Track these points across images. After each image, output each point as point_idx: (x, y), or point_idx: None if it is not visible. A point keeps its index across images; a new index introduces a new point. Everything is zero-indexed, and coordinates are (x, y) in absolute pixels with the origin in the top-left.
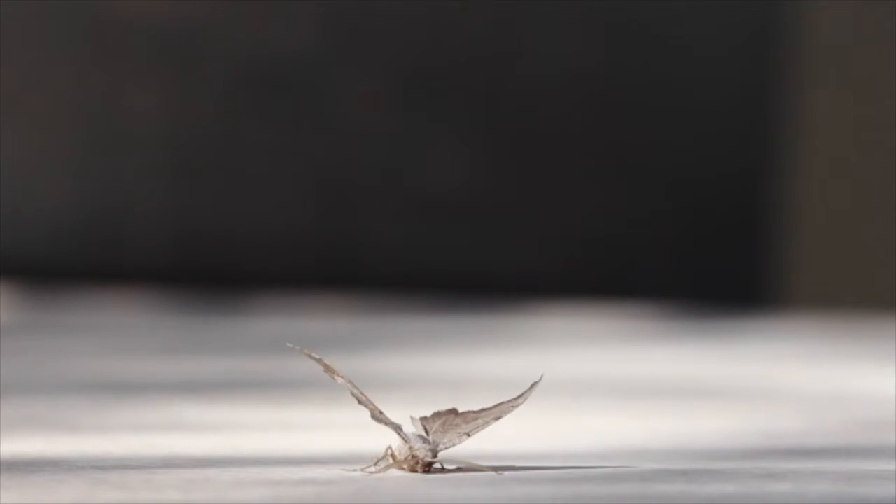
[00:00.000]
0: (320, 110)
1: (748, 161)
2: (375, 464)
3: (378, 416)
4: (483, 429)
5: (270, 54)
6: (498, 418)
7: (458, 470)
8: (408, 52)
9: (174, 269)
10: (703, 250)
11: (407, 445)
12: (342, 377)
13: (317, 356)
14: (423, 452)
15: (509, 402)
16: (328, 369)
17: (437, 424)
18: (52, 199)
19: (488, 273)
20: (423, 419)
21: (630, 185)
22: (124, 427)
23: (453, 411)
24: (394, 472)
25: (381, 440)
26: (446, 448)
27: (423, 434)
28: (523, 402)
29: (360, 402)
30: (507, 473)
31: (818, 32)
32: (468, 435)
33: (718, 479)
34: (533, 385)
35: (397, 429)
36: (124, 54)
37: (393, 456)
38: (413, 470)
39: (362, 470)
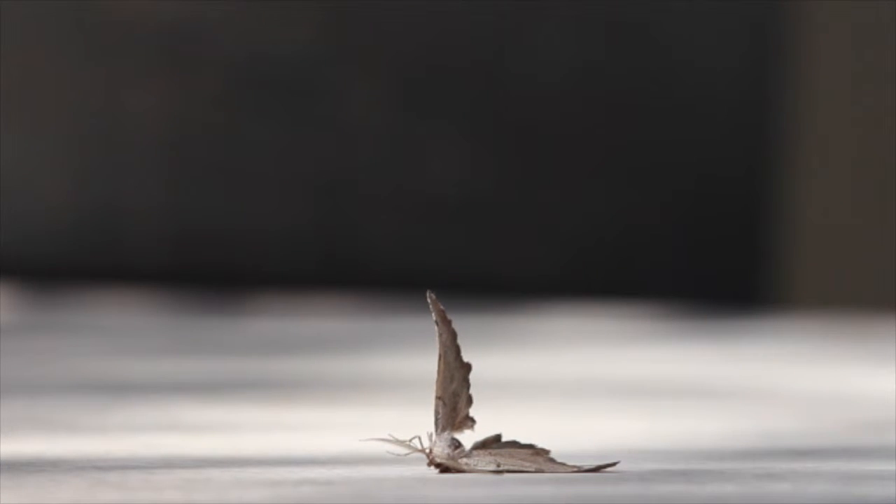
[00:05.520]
0: (320, 110)
1: (748, 161)
2: (401, 440)
3: (439, 400)
4: (515, 469)
5: (270, 54)
6: (539, 470)
7: (461, 471)
8: (408, 52)
9: (174, 268)
10: (704, 250)
11: (433, 440)
12: (448, 334)
13: (441, 311)
14: (439, 450)
15: (563, 464)
16: (442, 322)
17: (496, 447)
18: (52, 199)
19: (488, 273)
20: (496, 442)
21: (630, 186)
22: (124, 427)
23: (530, 447)
24: (397, 472)
25: (379, 441)
26: (469, 465)
27: (457, 441)
28: (575, 471)
29: (451, 374)
30: (507, 474)
31: (818, 33)
32: (498, 465)
33: (718, 479)
34: (599, 467)
35: (440, 424)
36: (124, 54)
37: (418, 440)
38: (429, 463)
39: (389, 434)
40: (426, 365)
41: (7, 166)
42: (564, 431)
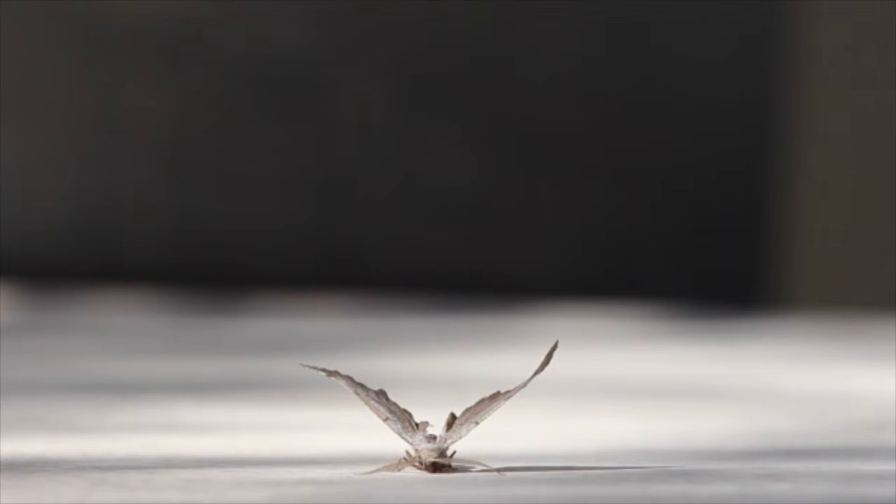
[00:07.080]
0: (321, 110)
1: (748, 161)
2: (398, 465)
3: (388, 421)
4: (491, 414)
5: (270, 54)
6: (508, 398)
7: (464, 470)
8: (409, 52)
9: (173, 269)
10: (703, 250)
11: (412, 447)
12: (345, 381)
13: (321, 368)
14: (426, 454)
15: (519, 385)
16: (331, 374)
17: (462, 418)
18: (52, 199)
19: (488, 273)
20: (455, 419)
21: (630, 186)
22: (124, 427)
23: (483, 399)
24: (397, 472)
25: (380, 441)
26: (455, 442)
27: (432, 436)
28: (541, 371)
29: (383, 411)
30: (507, 473)
31: (818, 32)
32: (476, 423)
33: (718, 479)
34: (547, 357)
35: (399, 433)
36: (124, 54)
37: (407, 457)
38: (423, 468)
39: (382, 468)
40: (426, 365)
41: (7, 166)
42: (564, 431)
